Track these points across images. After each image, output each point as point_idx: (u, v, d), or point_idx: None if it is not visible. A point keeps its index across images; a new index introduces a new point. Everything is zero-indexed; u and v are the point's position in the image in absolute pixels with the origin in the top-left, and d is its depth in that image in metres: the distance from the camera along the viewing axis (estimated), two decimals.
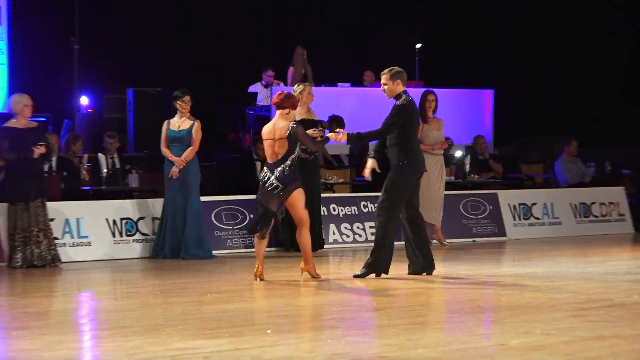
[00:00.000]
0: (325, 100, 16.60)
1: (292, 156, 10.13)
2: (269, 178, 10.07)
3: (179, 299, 9.31)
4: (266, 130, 10.23)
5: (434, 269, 10.70)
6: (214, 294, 9.65)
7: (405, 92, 10.56)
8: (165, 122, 12.92)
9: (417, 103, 14.24)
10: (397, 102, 10.47)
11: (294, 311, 8.71)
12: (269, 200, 10.10)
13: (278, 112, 10.22)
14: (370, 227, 14.82)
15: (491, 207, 15.90)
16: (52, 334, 7.25)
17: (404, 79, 10.65)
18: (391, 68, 10.70)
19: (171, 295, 9.75)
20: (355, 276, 10.49)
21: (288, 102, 10.22)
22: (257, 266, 10.26)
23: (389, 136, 10.55)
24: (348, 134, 10.42)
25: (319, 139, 10.73)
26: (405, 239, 10.70)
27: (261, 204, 10.19)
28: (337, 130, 10.52)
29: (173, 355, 6.30)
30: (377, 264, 10.45)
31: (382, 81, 10.66)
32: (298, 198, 10.13)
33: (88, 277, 11.60)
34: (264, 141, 10.23)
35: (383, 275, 10.47)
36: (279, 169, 10.05)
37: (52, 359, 6.14)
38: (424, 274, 10.64)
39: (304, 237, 10.25)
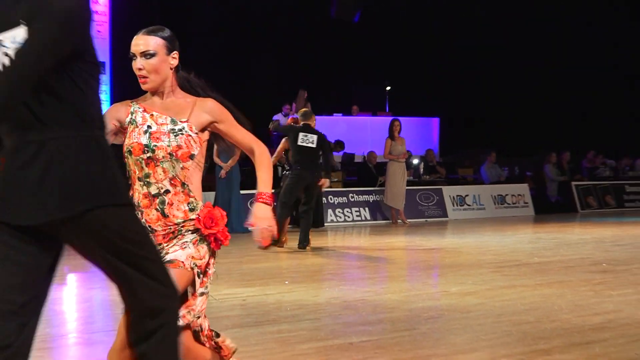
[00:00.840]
0: (323, 125, 16.50)
1: None
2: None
3: (225, 260, 9.26)
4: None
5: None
6: (249, 256, 9.62)
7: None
8: None
9: (388, 127, 14.37)
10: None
11: (304, 268, 8.68)
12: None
13: None
14: (355, 211, 14.79)
15: (438, 197, 15.85)
16: None
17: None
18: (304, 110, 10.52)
19: (219, 257, 9.56)
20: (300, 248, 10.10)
21: None
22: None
23: (291, 154, 10.19)
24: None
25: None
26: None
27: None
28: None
29: (221, 298, 6.27)
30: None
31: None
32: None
33: None
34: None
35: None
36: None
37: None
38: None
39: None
